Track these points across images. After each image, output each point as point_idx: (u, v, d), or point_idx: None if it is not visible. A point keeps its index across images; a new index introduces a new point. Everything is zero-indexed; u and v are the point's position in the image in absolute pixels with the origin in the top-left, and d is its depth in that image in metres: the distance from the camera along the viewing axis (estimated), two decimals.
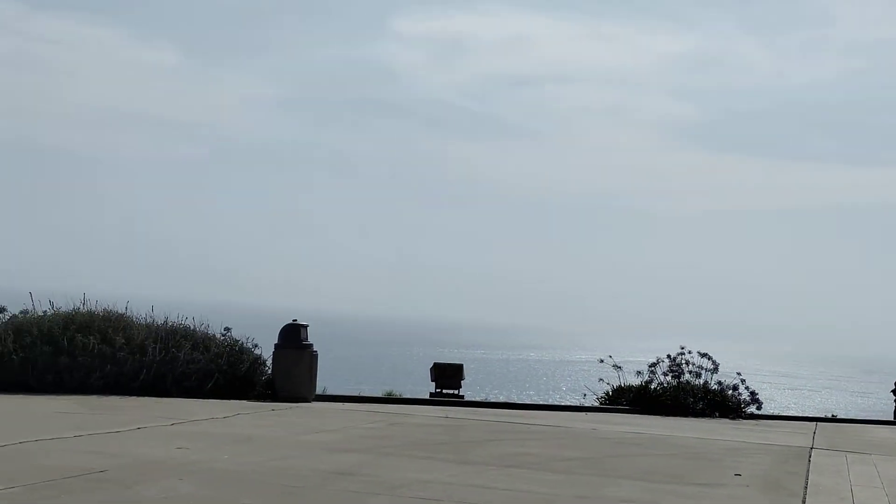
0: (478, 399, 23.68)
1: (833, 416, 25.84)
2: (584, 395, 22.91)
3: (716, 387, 21.46)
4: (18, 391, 17.08)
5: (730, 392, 21.48)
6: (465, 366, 23.53)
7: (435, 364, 23.11)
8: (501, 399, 36.50)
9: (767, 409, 23.37)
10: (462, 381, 22.61)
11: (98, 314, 18.79)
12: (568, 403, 29.34)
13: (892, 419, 25.46)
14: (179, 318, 19.47)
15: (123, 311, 19.20)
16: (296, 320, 19.36)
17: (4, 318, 18.44)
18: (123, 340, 18.17)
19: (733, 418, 20.80)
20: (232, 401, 17.86)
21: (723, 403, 21.23)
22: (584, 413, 20.32)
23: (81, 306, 18.95)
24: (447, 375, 22.43)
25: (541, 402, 29.18)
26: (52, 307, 18.83)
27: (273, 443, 12.83)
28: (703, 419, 20.28)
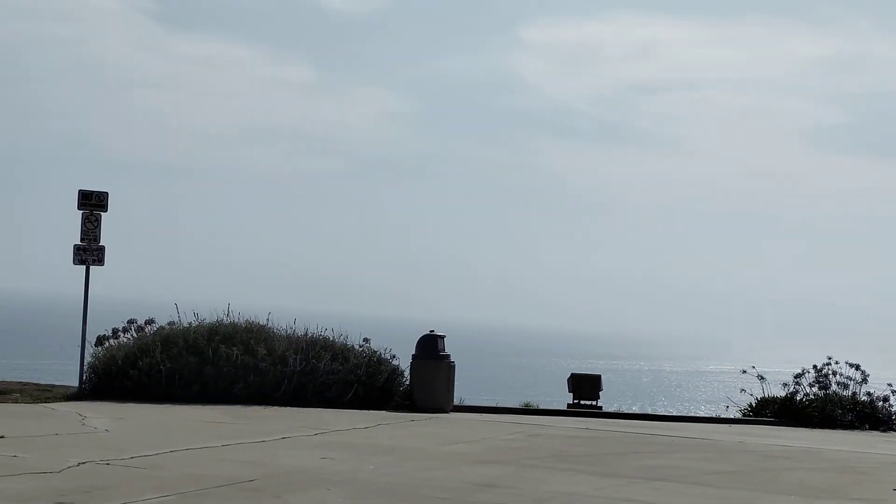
0: (614, 410, 23.31)
1: None
2: (727, 406, 22.35)
3: (865, 398, 20.73)
4: (166, 401, 17.57)
5: (880, 404, 20.71)
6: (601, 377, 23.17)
7: (572, 375, 22.82)
8: (636, 410, 35.97)
9: None
10: (600, 392, 22.28)
11: (241, 325, 19.22)
12: (707, 415, 28.72)
13: None
14: (318, 330, 19.75)
15: (265, 322, 19.59)
16: (433, 331, 19.39)
17: (153, 329, 19.02)
18: (265, 351, 18.52)
19: (884, 430, 20.04)
20: (371, 411, 18.01)
21: (873, 415, 20.49)
22: (726, 425, 19.82)
23: (225, 317, 19.41)
24: (585, 386, 22.11)
25: (680, 414, 28.60)
26: (197, 318, 19.32)
27: (415, 454, 12.85)
28: (851, 431, 19.60)
